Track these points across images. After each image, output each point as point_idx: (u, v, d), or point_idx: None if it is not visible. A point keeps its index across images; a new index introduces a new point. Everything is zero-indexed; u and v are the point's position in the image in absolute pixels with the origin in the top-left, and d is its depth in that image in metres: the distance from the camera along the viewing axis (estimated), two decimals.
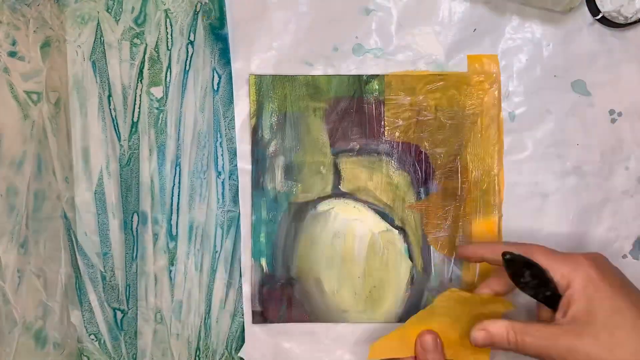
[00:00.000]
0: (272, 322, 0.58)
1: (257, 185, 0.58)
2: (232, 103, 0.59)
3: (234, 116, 0.59)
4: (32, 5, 0.58)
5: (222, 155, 0.59)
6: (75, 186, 0.59)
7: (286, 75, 0.58)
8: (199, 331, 0.59)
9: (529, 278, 0.48)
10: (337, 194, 0.58)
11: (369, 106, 0.58)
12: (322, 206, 0.58)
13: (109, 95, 0.59)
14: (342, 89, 0.58)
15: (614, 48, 0.57)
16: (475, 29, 0.58)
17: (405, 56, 0.58)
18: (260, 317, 0.58)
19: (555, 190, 0.58)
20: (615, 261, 0.56)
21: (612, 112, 0.58)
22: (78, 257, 0.59)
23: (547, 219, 0.58)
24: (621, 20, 0.55)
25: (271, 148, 0.58)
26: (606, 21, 0.56)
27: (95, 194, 0.59)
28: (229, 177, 0.59)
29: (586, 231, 0.58)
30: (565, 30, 0.57)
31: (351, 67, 0.58)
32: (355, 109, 0.58)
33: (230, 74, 0.59)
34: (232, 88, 0.59)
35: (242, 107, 0.58)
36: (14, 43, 0.58)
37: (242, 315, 0.59)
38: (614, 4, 0.55)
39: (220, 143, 0.59)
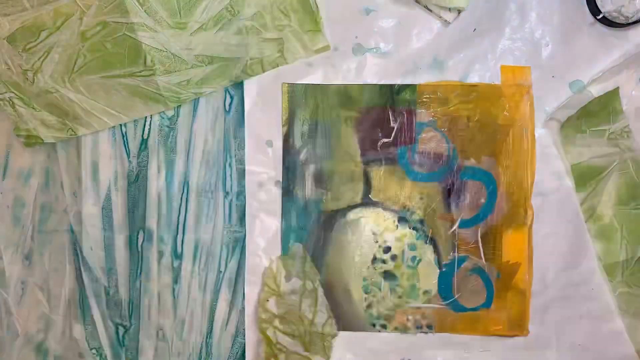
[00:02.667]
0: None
1: (288, 192, 0.59)
2: (243, 125, 0.58)
3: (244, 137, 0.58)
4: None
5: (230, 175, 0.59)
6: (82, 200, 0.59)
7: (318, 84, 0.58)
8: (200, 350, 0.59)
9: None
10: (367, 203, 0.58)
11: (400, 116, 0.58)
12: (352, 215, 0.58)
13: None
14: (373, 98, 0.58)
15: (613, 48, 0.57)
16: (475, 29, 0.58)
17: (405, 55, 0.58)
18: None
19: (555, 190, 0.58)
20: None
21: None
22: (82, 271, 0.59)
23: (546, 219, 0.58)
24: (622, 20, 0.55)
25: (302, 156, 0.58)
26: (607, 21, 0.56)
27: (102, 209, 0.59)
28: (237, 197, 0.59)
29: (586, 231, 0.58)
30: (564, 30, 0.57)
31: (351, 66, 0.58)
32: (386, 119, 0.58)
33: (242, 95, 0.58)
34: (243, 109, 0.58)
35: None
36: None
37: (244, 336, 0.59)
38: (614, 4, 0.55)
39: (230, 163, 0.59)
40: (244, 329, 0.59)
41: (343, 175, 0.58)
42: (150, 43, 0.55)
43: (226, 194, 0.59)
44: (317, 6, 0.56)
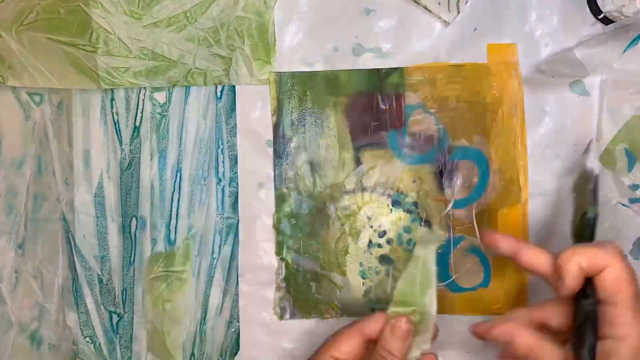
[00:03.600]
0: (300, 317, 0.59)
1: (281, 181, 0.59)
2: (235, 110, 0.59)
3: (235, 123, 0.59)
4: None
5: (223, 162, 0.59)
6: (75, 188, 0.59)
7: (306, 72, 0.58)
8: (194, 337, 0.59)
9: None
10: (360, 188, 0.58)
11: (389, 99, 0.58)
12: (346, 201, 0.59)
13: (112, 99, 0.59)
14: (361, 83, 0.58)
15: (614, 48, 0.57)
16: (475, 29, 0.58)
17: (406, 56, 0.58)
18: (288, 312, 0.59)
19: (555, 190, 0.58)
20: None
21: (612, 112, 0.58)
22: (76, 259, 0.59)
23: (547, 219, 0.58)
24: (623, 20, 0.55)
25: (293, 144, 0.59)
26: (608, 21, 0.56)
27: (95, 196, 0.59)
28: (229, 184, 0.59)
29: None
30: (564, 30, 0.57)
31: (351, 66, 0.58)
32: (375, 103, 0.58)
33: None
34: (234, 96, 0.59)
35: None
36: None
37: (238, 322, 0.59)
38: (615, 3, 0.55)
39: (222, 150, 0.59)
40: (238, 315, 0.59)
41: (335, 161, 0.59)
42: (100, 22, 0.57)
43: (219, 180, 0.59)
44: (274, 40, 0.58)
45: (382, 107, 0.58)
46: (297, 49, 0.58)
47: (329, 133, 0.59)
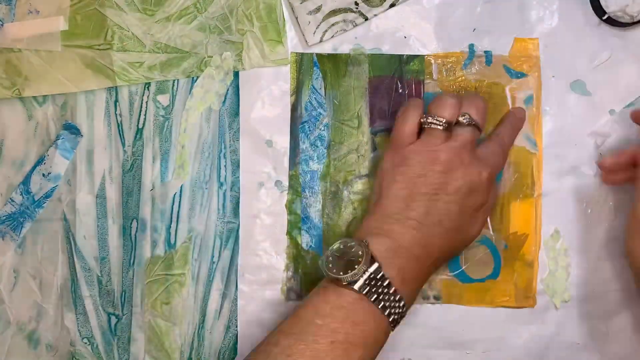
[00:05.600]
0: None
1: (294, 163, 0.59)
2: (237, 115, 0.59)
3: (238, 127, 0.59)
4: None
5: (225, 166, 0.59)
6: (77, 189, 0.59)
7: (327, 54, 0.59)
8: (192, 341, 0.59)
9: None
10: (374, 173, 0.58)
11: (408, 86, 0.58)
12: (359, 185, 0.59)
13: (116, 101, 0.59)
14: (382, 68, 0.58)
15: (614, 48, 0.58)
16: (474, 29, 0.58)
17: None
18: (295, 293, 0.59)
19: (555, 190, 0.58)
20: (615, 261, 0.58)
21: (612, 112, 0.58)
22: (75, 260, 0.59)
23: (547, 219, 0.58)
24: (627, 19, 0.56)
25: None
26: (612, 21, 0.56)
27: (96, 198, 0.59)
28: (231, 188, 0.59)
29: (587, 231, 0.58)
30: (564, 30, 0.58)
31: None
32: (395, 88, 0.58)
33: (237, 86, 0.59)
34: (238, 99, 0.59)
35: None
36: None
37: (236, 326, 0.59)
38: (618, 3, 0.55)
39: (224, 154, 0.59)
40: (236, 320, 0.59)
41: (351, 145, 0.59)
42: (115, 20, 0.58)
43: (220, 184, 0.59)
44: (284, 19, 0.58)
45: (401, 92, 0.58)
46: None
47: (346, 116, 0.59)
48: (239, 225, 0.59)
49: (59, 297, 0.60)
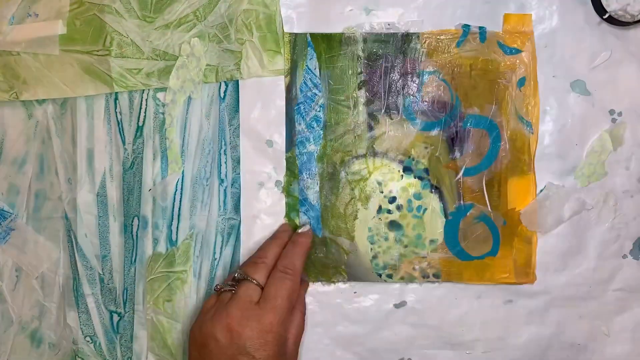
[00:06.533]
0: (307, 281, 0.59)
1: (291, 144, 0.59)
2: (238, 111, 0.59)
3: (239, 124, 0.59)
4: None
5: (225, 162, 0.59)
6: (77, 187, 0.59)
7: (322, 33, 0.58)
8: None
9: None
10: (371, 153, 0.59)
11: (404, 65, 0.58)
12: (356, 165, 0.59)
13: (116, 99, 0.59)
14: (378, 47, 0.58)
15: (614, 48, 0.58)
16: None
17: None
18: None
19: (555, 189, 0.58)
20: (615, 261, 0.58)
21: (612, 112, 0.58)
22: (77, 258, 0.59)
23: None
24: (628, 18, 0.56)
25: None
26: (613, 20, 0.56)
27: (97, 196, 0.59)
28: (232, 185, 0.59)
29: (586, 231, 0.58)
30: (565, 30, 0.58)
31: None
32: (390, 68, 0.58)
33: (237, 82, 0.58)
34: (238, 96, 0.59)
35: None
36: None
37: None
38: (619, 3, 0.55)
39: (225, 151, 0.59)
40: None
41: (347, 125, 0.59)
42: (114, 26, 0.58)
43: (221, 181, 0.59)
44: (282, 30, 0.58)
45: (397, 72, 0.58)
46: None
47: (342, 96, 0.59)
48: (240, 221, 0.59)
49: (61, 295, 0.60)
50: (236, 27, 0.58)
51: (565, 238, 0.58)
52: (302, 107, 0.59)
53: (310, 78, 0.59)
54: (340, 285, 0.59)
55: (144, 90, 0.58)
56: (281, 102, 0.59)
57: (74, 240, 0.59)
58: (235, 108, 0.59)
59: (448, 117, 0.58)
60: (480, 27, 0.58)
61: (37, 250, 0.60)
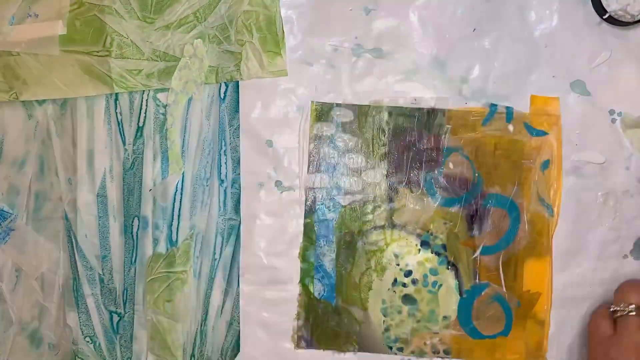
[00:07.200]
0: (317, 348, 0.59)
1: (311, 211, 0.59)
2: (238, 112, 0.59)
3: (239, 125, 0.59)
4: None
5: (225, 163, 0.59)
6: (78, 188, 0.59)
7: (348, 104, 0.58)
8: (195, 338, 0.59)
9: None
10: (390, 225, 0.58)
11: (428, 140, 0.58)
12: (374, 236, 0.58)
13: (116, 99, 0.59)
14: (403, 121, 0.58)
15: (614, 48, 0.58)
16: (474, 29, 0.58)
17: (405, 55, 0.58)
18: (305, 342, 0.59)
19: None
20: (615, 261, 0.58)
21: (612, 112, 0.58)
22: (77, 258, 0.59)
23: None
24: (628, 18, 0.56)
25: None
26: (613, 20, 0.56)
27: (97, 196, 0.59)
28: (232, 185, 0.59)
29: (586, 231, 0.58)
30: (565, 30, 0.58)
31: (351, 66, 0.58)
32: (414, 142, 0.58)
33: (237, 82, 0.59)
34: (238, 97, 0.59)
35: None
36: None
37: (239, 323, 0.59)
38: (620, 2, 0.55)
39: (225, 151, 0.59)
40: (238, 316, 0.59)
41: (368, 195, 0.58)
42: (115, 27, 0.58)
43: (221, 181, 0.59)
44: (283, 32, 0.58)
45: (421, 146, 0.58)
46: (296, 49, 0.59)
47: (365, 166, 0.59)
48: (240, 222, 0.59)
49: (61, 296, 0.60)
50: (236, 28, 0.58)
51: (565, 239, 0.58)
52: (324, 175, 0.59)
53: (334, 146, 0.59)
54: (351, 355, 0.59)
55: (144, 91, 0.59)
56: (281, 102, 0.59)
57: (74, 240, 0.59)
58: (235, 108, 0.59)
59: (469, 195, 0.58)
60: (507, 107, 0.58)
61: (37, 250, 0.60)
